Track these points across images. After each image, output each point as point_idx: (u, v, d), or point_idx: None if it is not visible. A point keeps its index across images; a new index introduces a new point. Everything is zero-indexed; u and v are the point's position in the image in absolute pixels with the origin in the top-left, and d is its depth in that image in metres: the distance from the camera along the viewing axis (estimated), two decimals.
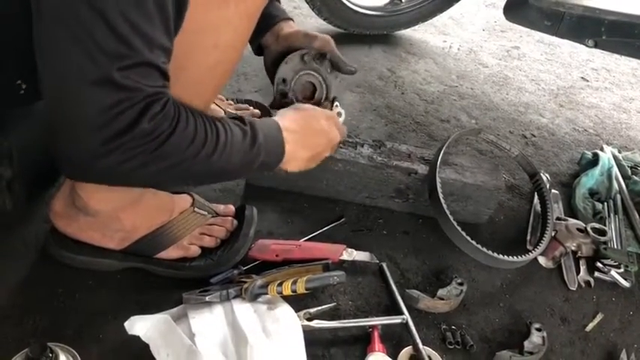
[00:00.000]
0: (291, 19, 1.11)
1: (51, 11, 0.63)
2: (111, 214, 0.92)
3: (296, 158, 0.92)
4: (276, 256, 1.03)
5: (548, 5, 1.47)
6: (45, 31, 0.65)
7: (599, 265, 1.19)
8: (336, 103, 1.10)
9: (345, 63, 1.09)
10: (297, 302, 0.93)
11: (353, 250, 1.08)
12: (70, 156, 0.71)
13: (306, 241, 1.11)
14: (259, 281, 0.92)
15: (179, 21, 0.70)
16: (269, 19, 1.08)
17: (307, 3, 1.86)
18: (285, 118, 0.92)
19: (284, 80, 1.06)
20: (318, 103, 1.09)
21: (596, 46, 1.46)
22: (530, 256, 1.13)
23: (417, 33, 2.20)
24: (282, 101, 1.08)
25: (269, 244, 1.05)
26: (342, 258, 1.06)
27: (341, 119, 1.08)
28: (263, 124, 0.86)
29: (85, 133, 0.67)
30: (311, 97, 1.10)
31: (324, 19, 1.92)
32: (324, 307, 0.96)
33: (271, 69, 1.10)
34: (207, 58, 0.78)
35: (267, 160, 0.85)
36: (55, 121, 0.70)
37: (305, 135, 0.93)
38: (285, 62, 1.05)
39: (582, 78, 2.15)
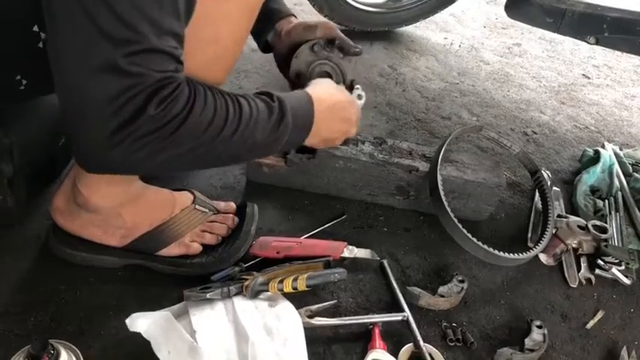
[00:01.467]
0: (292, 15, 1.11)
1: (57, 3, 0.63)
2: (112, 211, 0.92)
3: (316, 136, 0.91)
4: (277, 253, 1.03)
5: (549, 2, 1.46)
6: (52, 22, 0.64)
7: (599, 262, 1.19)
8: (357, 85, 1.08)
9: (350, 45, 1.07)
10: (298, 299, 0.94)
11: (354, 247, 1.08)
12: (83, 148, 0.70)
13: (307, 238, 1.11)
14: (260, 278, 0.92)
15: (190, 9, 0.69)
16: (270, 16, 1.08)
17: (309, 0, 1.86)
18: (319, 91, 0.90)
19: (298, 75, 1.05)
20: None
21: (597, 43, 1.45)
22: (531, 253, 1.13)
23: (418, 30, 2.19)
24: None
25: (270, 241, 1.05)
26: (342, 255, 1.06)
27: (362, 102, 1.07)
28: (293, 99, 0.84)
29: (94, 123, 0.66)
30: None
31: (325, 16, 1.92)
32: (325, 304, 0.96)
33: (284, 68, 1.09)
34: (207, 52, 0.78)
35: (292, 138, 0.84)
36: (65, 114, 0.69)
37: (333, 118, 0.92)
38: (295, 57, 1.04)
39: (584, 75, 2.15)
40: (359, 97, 1.07)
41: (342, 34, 1.08)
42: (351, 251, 1.07)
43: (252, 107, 0.77)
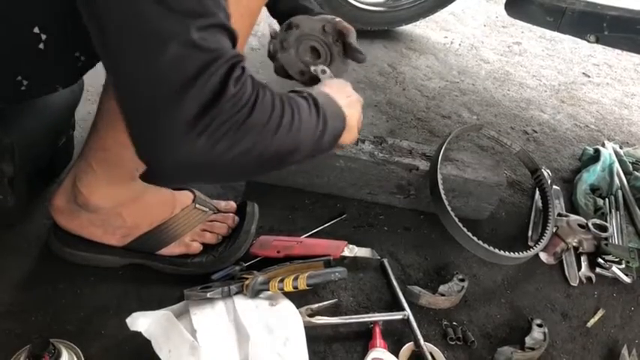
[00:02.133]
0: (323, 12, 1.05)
1: None
2: (112, 211, 0.92)
3: (351, 125, 0.84)
4: (278, 252, 1.03)
5: (549, 1, 1.46)
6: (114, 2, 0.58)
7: (600, 261, 1.19)
8: (313, 67, 0.98)
9: (356, 50, 1.01)
10: (298, 298, 0.94)
11: (354, 246, 1.08)
12: (157, 149, 0.60)
13: (307, 237, 1.11)
14: (261, 277, 0.92)
15: None
16: (303, 9, 1.03)
17: None
18: (320, 86, 0.85)
19: (290, 25, 0.97)
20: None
21: (597, 41, 1.45)
22: (532, 252, 1.13)
23: (418, 29, 2.19)
24: (281, 33, 0.98)
25: (270, 240, 1.05)
26: (343, 254, 1.06)
27: (327, 74, 0.97)
28: (315, 92, 0.78)
29: (170, 110, 0.58)
30: (314, 57, 1.01)
31: None
32: (325, 303, 0.96)
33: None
34: None
35: (333, 127, 0.77)
36: (132, 110, 0.61)
37: (346, 100, 0.86)
38: (306, 16, 0.98)
39: (584, 74, 2.15)
40: (323, 71, 0.97)
41: (355, 40, 1.02)
42: (351, 250, 1.07)
43: (292, 98, 0.71)
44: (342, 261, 1.07)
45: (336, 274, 0.94)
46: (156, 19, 0.57)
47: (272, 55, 1.00)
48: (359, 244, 1.09)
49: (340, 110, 0.81)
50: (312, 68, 0.97)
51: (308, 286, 0.91)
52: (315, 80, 0.97)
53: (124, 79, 0.61)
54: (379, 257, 1.10)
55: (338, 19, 1.02)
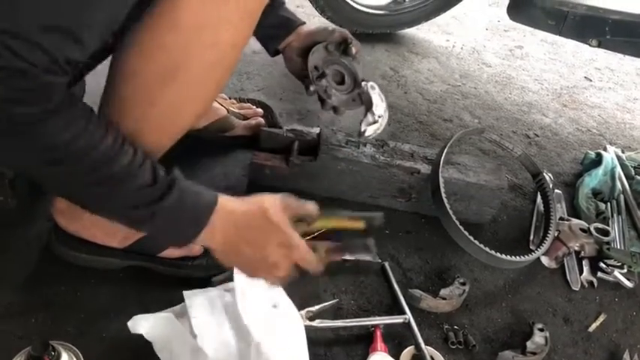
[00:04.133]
0: (304, 22, 1.18)
1: None
2: None
3: (227, 247, 0.80)
4: None
5: (551, 4, 1.46)
6: None
7: (602, 265, 1.19)
8: (365, 82, 1.15)
9: (351, 50, 1.14)
10: (299, 301, 0.93)
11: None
12: None
13: (308, 240, 1.10)
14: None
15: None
16: (289, 23, 1.16)
17: (310, 2, 1.86)
18: (234, 205, 0.79)
19: (316, 67, 1.11)
20: (350, 90, 1.16)
21: (599, 45, 1.45)
22: (533, 256, 1.12)
23: (420, 32, 2.19)
24: (319, 84, 1.11)
25: None
26: (344, 257, 1.06)
27: (377, 91, 1.15)
28: (194, 190, 0.74)
29: None
30: (341, 82, 1.15)
31: (327, 18, 1.92)
32: (326, 304, 0.96)
33: (298, 63, 1.14)
34: (206, 56, 0.77)
35: (169, 226, 0.74)
36: None
37: (240, 240, 0.79)
38: (312, 53, 1.11)
39: (586, 78, 2.14)
40: (372, 87, 1.15)
41: (353, 40, 1.15)
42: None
43: (131, 163, 0.68)
44: (343, 264, 1.06)
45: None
46: None
47: (325, 103, 1.13)
48: None
49: (197, 226, 0.75)
50: (363, 83, 1.15)
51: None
52: (367, 98, 1.15)
53: None
54: (380, 260, 1.10)
55: (330, 28, 1.15)
